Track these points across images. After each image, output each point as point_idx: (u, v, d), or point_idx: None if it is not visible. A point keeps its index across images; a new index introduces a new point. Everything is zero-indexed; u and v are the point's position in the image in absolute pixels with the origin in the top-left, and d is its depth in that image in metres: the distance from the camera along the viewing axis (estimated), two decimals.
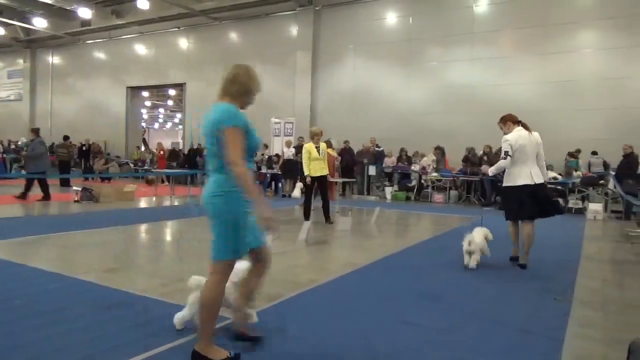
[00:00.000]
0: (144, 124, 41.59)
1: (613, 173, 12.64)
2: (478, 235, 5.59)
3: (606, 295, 4.64)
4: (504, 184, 5.79)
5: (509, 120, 5.90)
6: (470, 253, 5.49)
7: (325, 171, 9.01)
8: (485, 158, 14.34)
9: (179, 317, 3.29)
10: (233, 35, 23.17)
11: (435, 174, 15.59)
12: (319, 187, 9.10)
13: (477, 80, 17.44)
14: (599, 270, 5.83)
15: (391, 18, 19.32)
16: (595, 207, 11.79)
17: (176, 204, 12.63)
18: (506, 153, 5.59)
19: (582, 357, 3.08)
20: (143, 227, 8.13)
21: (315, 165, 8.89)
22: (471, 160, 15.19)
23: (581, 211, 12.61)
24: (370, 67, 19.57)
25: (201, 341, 2.75)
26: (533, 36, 16.68)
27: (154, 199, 13.68)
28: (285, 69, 21.28)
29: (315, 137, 8.96)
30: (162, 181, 17.01)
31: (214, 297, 2.70)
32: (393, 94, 18.96)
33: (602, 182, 13.06)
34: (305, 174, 8.90)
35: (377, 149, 16.95)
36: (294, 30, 21.26)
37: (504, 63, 17.12)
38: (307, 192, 9.12)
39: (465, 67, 17.72)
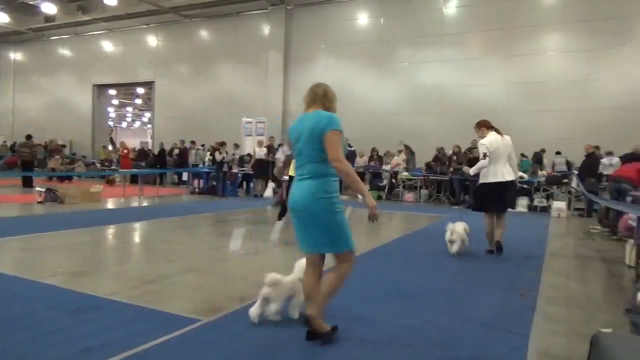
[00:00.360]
0: (111, 123, 40.69)
1: (576, 172, 13.06)
2: (459, 226, 6.32)
3: (570, 291, 4.79)
4: (480, 181, 6.64)
5: (483, 126, 6.77)
6: (452, 242, 6.37)
7: None
8: (454, 158, 14.60)
9: (255, 313, 3.44)
10: (204, 34, 22.90)
11: (405, 174, 15.78)
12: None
13: (447, 81, 17.74)
14: (562, 266, 6.01)
15: (362, 19, 19.46)
16: (559, 205, 12.15)
17: (145, 204, 12.40)
18: (485, 155, 6.43)
19: (547, 352, 3.18)
20: (110, 229, 7.95)
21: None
22: (441, 160, 15.44)
23: (546, 209, 12.99)
24: (342, 67, 19.66)
25: (318, 312, 3.12)
26: (500, 38, 17.07)
27: (122, 199, 13.40)
28: (257, 68, 21.16)
29: None
30: (126, 181, 16.63)
31: (342, 282, 3.17)
32: (365, 94, 19.10)
33: (565, 181, 13.47)
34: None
35: (349, 148, 17.03)
36: (265, 29, 21.17)
37: (472, 64, 17.47)
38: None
39: (435, 68, 18.01)
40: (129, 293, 4.17)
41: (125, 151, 19.56)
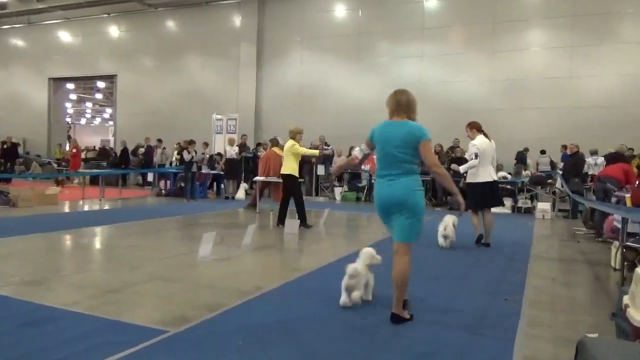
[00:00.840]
0: (69, 120, 39.81)
1: (560, 172, 13.36)
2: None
3: (554, 295, 4.89)
4: (468, 181, 7.52)
5: (474, 127, 7.53)
6: (445, 237, 7.06)
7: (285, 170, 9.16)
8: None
9: (346, 301, 4.15)
10: (170, 24, 22.63)
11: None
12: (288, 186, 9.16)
13: (428, 77, 17.96)
14: (547, 269, 6.14)
15: (340, 10, 19.53)
16: (543, 207, 12.42)
17: (106, 207, 12.17)
18: (476, 155, 7.24)
19: (533, 358, 3.24)
20: (68, 234, 7.78)
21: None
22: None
23: (530, 210, 13.26)
24: (319, 61, 19.69)
25: (398, 306, 3.84)
26: (482, 33, 17.38)
27: (81, 202, 13.13)
28: (228, 61, 21.03)
29: (297, 135, 9.16)
30: (85, 183, 16.32)
31: (408, 271, 3.88)
32: (342, 90, 19.18)
33: (550, 181, 13.77)
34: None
35: (326, 147, 17.06)
36: (236, 20, 21.05)
37: (454, 60, 17.73)
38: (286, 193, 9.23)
39: (416, 64, 18.21)
40: (89, 303, 4.08)
41: (75, 150, 19.17)
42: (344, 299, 4.18)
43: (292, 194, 9.11)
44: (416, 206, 3.78)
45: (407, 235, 3.84)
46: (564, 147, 15.48)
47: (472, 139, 7.44)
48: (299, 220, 8.81)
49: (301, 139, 9.26)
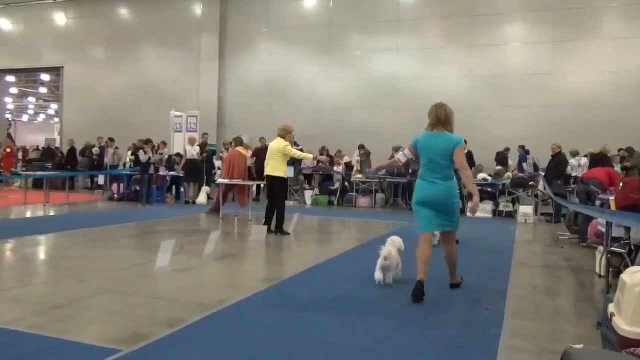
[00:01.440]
0: (9, 116, 38.66)
1: (542, 174, 13.67)
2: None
3: (537, 303, 5.00)
4: None
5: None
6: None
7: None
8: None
9: (380, 279, 5.29)
10: (123, 12, 22.27)
11: (359, 176, 15.97)
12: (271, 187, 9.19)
13: (403, 72, 18.16)
14: (530, 277, 6.28)
15: (309, 0, 19.57)
16: (525, 210, 12.69)
17: (52, 213, 11.87)
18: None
19: None
20: (7, 244, 7.55)
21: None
22: None
23: (511, 214, 13.52)
24: (287, 54, 19.68)
25: (453, 276, 5.47)
26: (460, 26, 17.69)
27: (23, 208, 12.77)
28: (187, 53, 20.82)
29: (288, 134, 9.16)
30: (28, 186, 15.92)
31: (456, 252, 5.49)
32: (312, 85, 19.21)
33: (532, 183, 14.07)
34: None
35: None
36: (197, 8, 20.86)
37: (431, 54, 17.99)
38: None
39: (390, 58, 18.39)
40: (32, 320, 3.96)
41: (9, 150, 18.64)
42: (379, 276, 5.31)
43: (279, 198, 9.13)
44: (454, 205, 5.22)
45: (450, 225, 5.28)
46: (522, 147, 15.91)
47: None
48: (266, 226, 8.78)
49: (293, 138, 9.35)
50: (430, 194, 5.10)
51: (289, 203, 15.54)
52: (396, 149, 16.35)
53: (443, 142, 5.13)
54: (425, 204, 5.14)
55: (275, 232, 8.99)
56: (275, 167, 9.01)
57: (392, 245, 5.49)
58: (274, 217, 9.16)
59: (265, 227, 8.76)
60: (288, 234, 9.03)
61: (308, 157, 10.09)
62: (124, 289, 5.04)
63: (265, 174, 9.21)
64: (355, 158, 16.89)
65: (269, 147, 9.29)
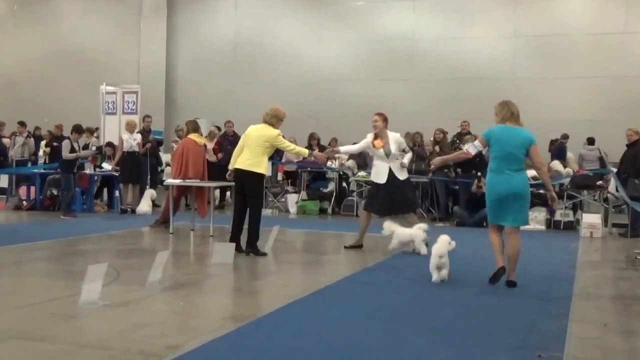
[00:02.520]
0: None
1: (614, 170, 13.66)
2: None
3: (608, 348, 4.99)
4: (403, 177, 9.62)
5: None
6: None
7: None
8: (436, 149, 14.94)
9: (437, 279, 7.19)
10: None
11: (363, 174, 15.93)
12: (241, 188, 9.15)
13: (423, 31, 18.17)
14: (597, 312, 6.27)
15: None
16: (591, 220, 12.69)
17: None
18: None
19: None
20: None
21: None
22: (417, 152, 15.72)
23: (572, 225, 13.54)
24: (261, 6, 19.66)
25: (512, 274, 7.11)
26: None
27: None
28: (123, 7, 20.76)
29: (279, 122, 9.17)
30: None
31: (520, 247, 7.12)
32: (297, 50, 19.19)
33: (600, 183, 14.08)
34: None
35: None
36: None
37: (461, 7, 18.00)
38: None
39: (406, 11, 18.40)
40: None
41: None
42: (435, 277, 7.15)
43: (253, 203, 9.09)
44: (528, 196, 7.17)
45: (522, 219, 7.13)
46: (564, 136, 15.92)
47: None
48: (233, 244, 8.73)
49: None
50: (507, 187, 6.97)
51: (265, 212, 15.55)
52: (415, 136, 16.38)
53: (522, 135, 7.11)
54: (499, 200, 7.04)
55: (247, 251, 8.94)
56: (255, 160, 8.89)
57: (444, 243, 7.21)
58: (245, 231, 9.11)
59: (233, 244, 8.71)
60: (264, 254, 8.97)
61: (303, 154, 10.03)
62: (37, 332, 4.98)
63: (234, 167, 9.09)
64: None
65: (245, 134, 9.22)
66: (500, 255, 7.06)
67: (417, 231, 9.09)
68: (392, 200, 9.56)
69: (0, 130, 18.35)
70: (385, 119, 9.87)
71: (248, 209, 9.11)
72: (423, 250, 8.95)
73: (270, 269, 8.36)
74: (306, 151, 10.03)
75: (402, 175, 9.64)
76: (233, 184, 9.40)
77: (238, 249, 8.81)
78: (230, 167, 9.23)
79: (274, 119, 9.05)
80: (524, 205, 7.11)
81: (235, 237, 9.09)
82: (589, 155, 15.87)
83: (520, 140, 7.04)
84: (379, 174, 9.65)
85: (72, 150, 13.74)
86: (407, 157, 9.91)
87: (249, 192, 9.04)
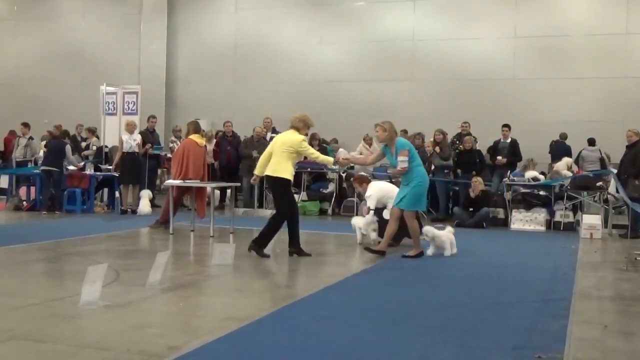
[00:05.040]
0: None
1: (614, 171, 13.66)
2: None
3: (608, 349, 4.99)
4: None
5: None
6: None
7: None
8: (436, 150, 14.94)
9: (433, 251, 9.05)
10: None
11: (363, 174, 15.94)
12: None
13: (423, 32, 18.16)
14: (597, 313, 6.27)
15: None
16: (591, 221, 12.69)
17: None
18: None
19: None
20: None
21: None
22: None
23: (572, 226, 13.54)
24: (262, 6, 19.64)
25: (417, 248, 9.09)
26: None
27: None
28: (124, 7, 20.73)
29: (305, 128, 9.24)
30: None
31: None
32: (297, 50, 19.19)
33: (600, 184, 14.07)
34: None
35: (274, 135, 16.98)
36: None
37: (462, 7, 17.99)
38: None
39: (407, 12, 18.39)
40: None
41: None
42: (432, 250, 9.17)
43: (277, 207, 9.16)
44: None
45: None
46: (563, 136, 15.85)
47: None
48: (233, 245, 8.73)
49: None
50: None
51: (265, 212, 15.55)
52: (416, 137, 16.36)
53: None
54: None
55: (292, 252, 8.98)
56: (281, 166, 8.87)
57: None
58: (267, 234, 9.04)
59: (233, 245, 8.69)
60: (267, 256, 8.90)
61: (328, 162, 10.07)
62: (38, 333, 4.99)
63: (265, 174, 9.10)
64: (358, 152, 16.87)
65: (274, 140, 9.26)
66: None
67: (449, 234, 9.48)
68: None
69: (22, 133, 18.25)
70: (384, 129, 9.41)
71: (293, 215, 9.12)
72: (454, 250, 9.43)
73: (271, 270, 8.37)
74: (331, 159, 10.06)
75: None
76: (233, 184, 9.43)
77: (299, 252, 8.98)
78: (257, 172, 9.32)
79: (301, 123, 9.04)
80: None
81: (293, 242, 9.10)
82: (590, 156, 15.83)
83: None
84: None
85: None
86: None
87: (274, 197, 9.27)
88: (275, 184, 8.99)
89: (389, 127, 9.33)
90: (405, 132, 15.50)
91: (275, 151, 9.00)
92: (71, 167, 14.93)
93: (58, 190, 14.60)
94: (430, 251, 9.30)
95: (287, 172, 8.91)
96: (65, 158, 14.54)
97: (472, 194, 13.57)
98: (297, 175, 16.77)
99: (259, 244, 8.94)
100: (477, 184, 13.54)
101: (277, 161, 8.92)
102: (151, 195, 14.88)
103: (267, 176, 9.08)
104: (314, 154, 9.37)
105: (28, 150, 17.95)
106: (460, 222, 13.48)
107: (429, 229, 9.33)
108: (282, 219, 9.01)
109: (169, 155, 15.83)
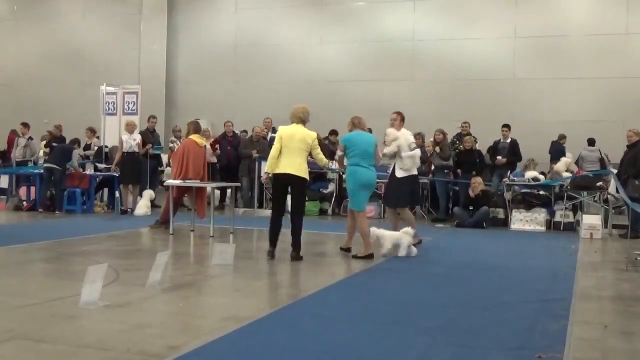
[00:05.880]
0: None
1: (614, 171, 13.66)
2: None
3: (608, 349, 5.00)
4: (412, 174, 10.03)
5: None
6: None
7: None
8: (437, 150, 14.93)
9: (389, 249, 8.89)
10: None
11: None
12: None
13: (423, 32, 18.15)
14: (597, 313, 6.28)
15: None
16: (591, 221, 12.69)
17: None
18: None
19: None
20: None
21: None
22: None
23: (572, 226, 13.54)
24: (262, 6, 19.64)
25: (366, 248, 8.97)
26: None
27: None
28: (124, 7, 20.73)
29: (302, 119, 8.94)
30: None
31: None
32: (297, 50, 19.18)
33: (600, 184, 14.08)
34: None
35: (274, 135, 16.96)
36: None
37: (462, 8, 17.98)
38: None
39: (407, 12, 18.38)
40: None
41: None
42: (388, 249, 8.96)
43: (303, 207, 9.28)
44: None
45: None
46: (562, 136, 15.76)
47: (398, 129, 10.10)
48: (233, 245, 8.73)
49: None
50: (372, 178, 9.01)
51: (265, 212, 15.55)
52: (416, 137, 16.34)
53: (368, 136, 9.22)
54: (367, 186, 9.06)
55: (293, 256, 8.71)
56: (303, 164, 8.78)
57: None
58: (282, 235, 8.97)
59: (233, 245, 8.68)
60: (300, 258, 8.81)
61: (324, 163, 10.06)
62: (38, 333, 4.99)
63: (284, 172, 8.72)
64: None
65: (282, 136, 8.83)
66: (367, 238, 8.91)
67: (403, 235, 9.10)
68: (386, 194, 10.74)
69: (21, 133, 18.24)
70: (401, 118, 10.30)
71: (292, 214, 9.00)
72: (413, 252, 9.08)
73: (270, 270, 8.37)
74: (326, 161, 9.97)
75: (399, 173, 9.96)
76: (233, 184, 9.39)
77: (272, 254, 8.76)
78: (269, 169, 8.92)
79: (308, 115, 8.98)
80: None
81: (274, 242, 8.86)
82: (590, 156, 15.85)
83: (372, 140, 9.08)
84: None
85: None
86: (409, 154, 9.93)
87: (299, 196, 9.03)
88: (301, 184, 8.85)
89: (349, 121, 9.65)
90: None
91: (293, 148, 8.66)
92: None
93: (58, 191, 14.61)
94: (383, 251, 9.07)
95: (307, 172, 8.90)
96: (70, 162, 14.59)
97: (471, 194, 13.58)
98: None
99: (299, 250, 8.80)
100: (477, 184, 13.54)
101: (301, 161, 8.72)
102: (153, 196, 14.88)
103: (292, 175, 8.67)
104: (319, 153, 9.17)
105: (27, 150, 17.96)
106: (460, 222, 13.48)
107: (373, 230, 9.06)
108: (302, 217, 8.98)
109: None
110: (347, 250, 9.43)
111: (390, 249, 9.04)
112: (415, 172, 10.16)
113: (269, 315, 5.75)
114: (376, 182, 9.65)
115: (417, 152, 10.14)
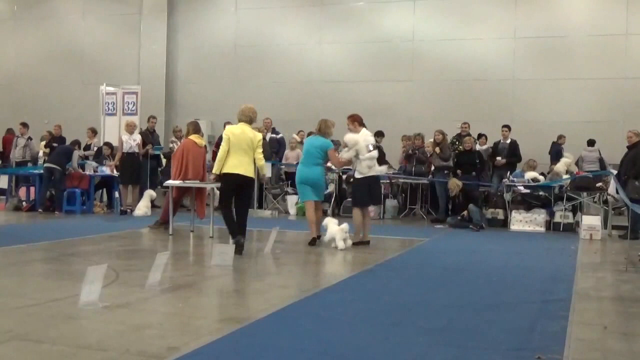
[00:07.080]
0: None
1: (614, 172, 13.66)
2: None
3: (608, 350, 4.99)
4: (369, 174, 10.24)
5: (357, 121, 10.53)
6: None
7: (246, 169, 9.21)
8: (436, 150, 14.93)
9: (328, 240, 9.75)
10: None
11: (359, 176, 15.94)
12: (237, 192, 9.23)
13: (423, 32, 18.15)
14: (597, 314, 6.28)
15: None
16: (590, 222, 12.70)
17: None
18: (374, 146, 10.48)
19: None
20: None
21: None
22: (417, 154, 15.70)
23: (571, 227, 13.55)
24: (262, 6, 19.63)
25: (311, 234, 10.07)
26: None
27: None
28: (123, 7, 20.72)
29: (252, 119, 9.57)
30: None
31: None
32: (297, 50, 19.18)
33: (599, 185, 14.08)
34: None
35: (274, 136, 17.00)
36: None
37: (462, 8, 17.98)
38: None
39: (407, 12, 18.38)
40: None
41: None
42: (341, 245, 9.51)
43: (248, 203, 9.56)
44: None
45: (320, 196, 10.17)
46: (561, 137, 15.78)
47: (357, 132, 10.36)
48: (233, 245, 8.73)
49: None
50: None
51: (265, 213, 15.56)
52: (415, 138, 16.37)
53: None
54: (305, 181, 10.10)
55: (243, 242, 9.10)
56: (249, 164, 9.20)
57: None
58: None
59: (233, 246, 8.69)
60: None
61: (260, 164, 10.07)
62: (37, 333, 4.99)
63: (234, 172, 9.08)
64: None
65: (235, 135, 9.25)
66: (315, 225, 9.98)
67: (337, 229, 9.71)
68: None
69: (20, 133, 18.21)
70: (357, 121, 10.65)
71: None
72: (340, 245, 9.65)
73: (270, 271, 8.38)
74: (264, 164, 10.12)
75: (357, 175, 10.45)
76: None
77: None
78: (217, 171, 9.23)
79: (249, 118, 9.74)
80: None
81: (237, 232, 9.11)
82: (589, 157, 15.86)
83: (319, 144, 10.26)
84: None
85: None
86: (367, 157, 10.21)
87: (248, 196, 9.92)
88: (251, 185, 10.02)
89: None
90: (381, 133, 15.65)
91: (241, 148, 9.18)
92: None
93: (58, 191, 14.62)
94: (325, 238, 9.92)
95: (254, 171, 9.56)
96: (70, 162, 14.62)
97: (451, 194, 13.74)
98: (293, 175, 16.84)
99: (244, 234, 9.27)
100: (453, 187, 13.56)
101: (249, 161, 9.32)
102: (154, 196, 14.88)
103: (243, 176, 9.12)
104: (260, 154, 9.57)
105: (27, 151, 17.94)
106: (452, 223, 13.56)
107: (326, 219, 10.09)
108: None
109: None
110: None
111: (329, 240, 9.83)
112: (373, 173, 10.44)
113: (268, 316, 5.75)
114: (318, 178, 10.35)
115: (375, 153, 10.45)
